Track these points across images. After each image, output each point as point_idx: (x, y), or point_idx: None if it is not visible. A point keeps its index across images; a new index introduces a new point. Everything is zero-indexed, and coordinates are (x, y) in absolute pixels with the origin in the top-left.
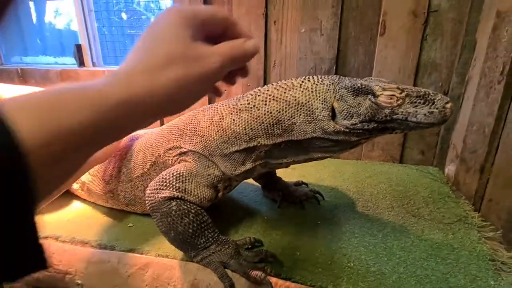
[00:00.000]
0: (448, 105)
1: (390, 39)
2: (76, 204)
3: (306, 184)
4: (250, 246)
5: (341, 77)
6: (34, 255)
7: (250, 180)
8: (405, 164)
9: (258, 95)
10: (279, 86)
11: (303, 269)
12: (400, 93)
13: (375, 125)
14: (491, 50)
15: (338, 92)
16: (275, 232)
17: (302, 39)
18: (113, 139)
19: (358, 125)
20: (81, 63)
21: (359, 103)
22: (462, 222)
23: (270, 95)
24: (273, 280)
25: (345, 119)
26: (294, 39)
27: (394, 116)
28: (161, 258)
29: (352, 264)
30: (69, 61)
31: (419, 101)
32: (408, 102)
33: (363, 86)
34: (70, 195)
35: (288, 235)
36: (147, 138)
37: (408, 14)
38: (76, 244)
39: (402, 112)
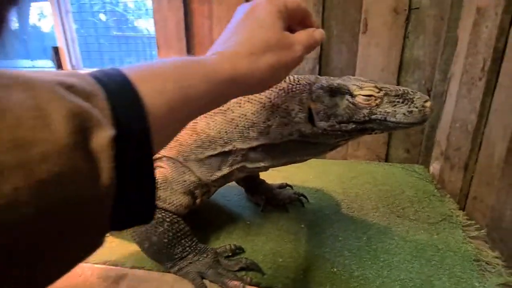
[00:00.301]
0: (428, 104)
1: (373, 37)
2: None
3: (291, 186)
4: (230, 254)
5: (318, 77)
6: (147, 210)
7: (233, 184)
8: (391, 163)
9: None
10: None
11: (285, 276)
12: (378, 92)
13: (354, 125)
14: (472, 46)
15: (314, 92)
16: (257, 238)
17: None
18: (212, 108)
19: (336, 126)
20: (59, 66)
21: (336, 104)
22: (447, 222)
23: (244, 97)
24: None
25: (322, 120)
26: None
27: (373, 116)
28: (137, 270)
29: (335, 270)
30: (48, 64)
31: (397, 100)
32: (386, 102)
33: (340, 86)
34: None
35: (270, 241)
36: None
37: (389, 11)
38: None
39: (380, 112)
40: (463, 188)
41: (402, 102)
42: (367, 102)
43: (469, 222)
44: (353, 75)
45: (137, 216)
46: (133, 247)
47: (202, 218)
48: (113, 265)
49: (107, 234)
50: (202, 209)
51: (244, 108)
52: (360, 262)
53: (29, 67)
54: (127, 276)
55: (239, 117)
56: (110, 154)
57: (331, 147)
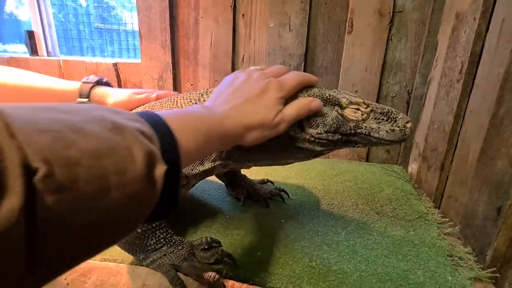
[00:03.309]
0: (409, 125)
1: (358, 37)
2: None
3: (272, 182)
4: (206, 247)
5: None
6: (169, 210)
7: (214, 178)
8: (371, 163)
9: None
10: None
11: (263, 270)
12: (366, 108)
13: (340, 137)
14: (451, 50)
15: None
16: (236, 232)
17: (271, 34)
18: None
19: (323, 135)
20: (34, 51)
21: (325, 113)
22: (423, 219)
23: None
24: (229, 283)
25: (311, 127)
26: (263, 34)
27: (358, 130)
28: (107, 263)
29: (314, 264)
30: (21, 49)
31: (382, 117)
32: (372, 118)
33: (331, 97)
34: None
35: (249, 234)
36: None
37: (374, 13)
38: None
39: (366, 126)
40: (439, 187)
41: (386, 120)
42: (355, 116)
43: (443, 219)
44: (338, 73)
45: (161, 214)
46: None
47: (180, 211)
48: None
49: None
50: (181, 202)
51: None
52: (339, 257)
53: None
54: (96, 269)
55: None
56: (163, 180)
57: (315, 154)
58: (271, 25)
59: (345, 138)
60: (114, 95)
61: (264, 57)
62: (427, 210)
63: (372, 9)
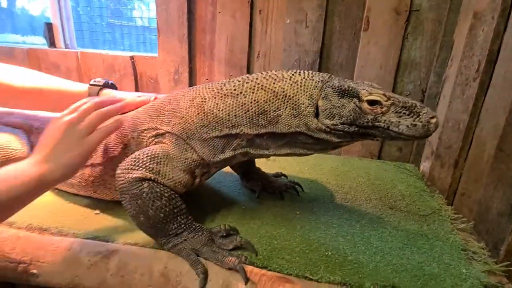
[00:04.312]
0: (433, 120)
1: (373, 35)
2: None
3: (286, 176)
4: (224, 234)
5: (332, 76)
6: None
7: (229, 170)
8: (383, 160)
9: (247, 82)
10: (269, 76)
11: (280, 257)
12: (386, 101)
13: (356, 129)
14: (467, 49)
15: (325, 90)
16: (252, 222)
17: (287, 31)
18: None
19: (339, 126)
20: (52, 43)
21: (343, 105)
22: (436, 215)
23: (258, 83)
24: (249, 268)
25: (326, 118)
26: (279, 30)
27: (376, 123)
28: (129, 246)
29: (329, 253)
30: (39, 41)
31: (404, 111)
32: (392, 111)
33: (350, 88)
34: None
35: (265, 224)
36: None
37: (391, 11)
38: (33, 231)
39: (385, 120)
40: (452, 185)
41: (408, 115)
42: (373, 108)
43: (456, 216)
44: (352, 71)
45: None
46: (124, 224)
47: (197, 201)
48: (103, 241)
49: (98, 211)
50: (198, 192)
51: (257, 94)
52: (354, 248)
53: (18, 43)
54: (119, 251)
55: (251, 102)
56: None
57: (333, 146)
58: (288, 21)
59: (362, 130)
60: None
61: (280, 53)
62: (440, 206)
63: (389, 7)
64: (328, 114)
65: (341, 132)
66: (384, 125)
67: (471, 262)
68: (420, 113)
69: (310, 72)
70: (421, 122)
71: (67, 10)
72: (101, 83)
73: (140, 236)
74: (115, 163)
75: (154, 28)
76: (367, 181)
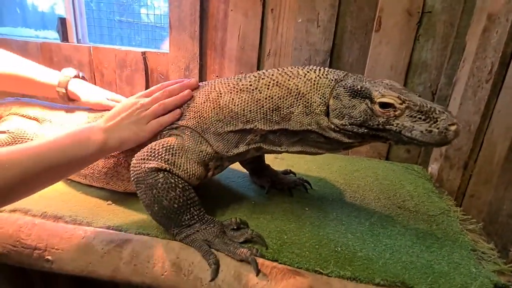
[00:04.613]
0: (453, 128)
1: (385, 36)
2: None
3: (294, 174)
4: (235, 227)
5: (349, 74)
6: None
7: (238, 167)
8: (391, 161)
9: (262, 78)
10: (284, 72)
11: (290, 251)
12: (401, 104)
13: (366, 130)
14: (480, 51)
15: (336, 90)
16: (262, 216)
17: (299, 29)
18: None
19: (348, 126)
20: (64, 38)
21: (353, 105)
22: (445, 215)
23: (274, 80)
24: (260, 260)
25: (336, 118)
26: (291, 28)
27: (387, 127)
28: (142, 236)
29: (339, 249)
30: (51, 36)
31: (419, 116)
32: (407, 115)
33: (363, 89)
34: None
35: (275, 220)
36: None
37: (403, 12)
38: (48, 219)
39: (398, 124)
40: (461, 186)
41: (424, 120)
42: (385, 111)
43: (465, 217)
44: (363, 71)
45: None
46: (137, 215)
47: (207, 196)
48: (116, 230)
49: (110, 202)
50: (207, 187)
51: (272, 90)
52: (363, 244)
53: (32, 36)
54: (132, 241)
55: (266, 98)
56: None
57: (345, 146)
58: (299, 20)
59: (373, 132)
60: (86, 95)
61: (290, 51)
62: (449, 207)
63: (401, 8)
64: (338, 113)
65: (350, 133)
66: (396, 129)
67: (481, 262)
68: (438, 119)
69: (326, 69)
70: (438, 128)
71: (81, 6)
72: (72, 76)
73: (152, 227)
74: (129, 155)
75: (161, 27)
76: (375, 180)
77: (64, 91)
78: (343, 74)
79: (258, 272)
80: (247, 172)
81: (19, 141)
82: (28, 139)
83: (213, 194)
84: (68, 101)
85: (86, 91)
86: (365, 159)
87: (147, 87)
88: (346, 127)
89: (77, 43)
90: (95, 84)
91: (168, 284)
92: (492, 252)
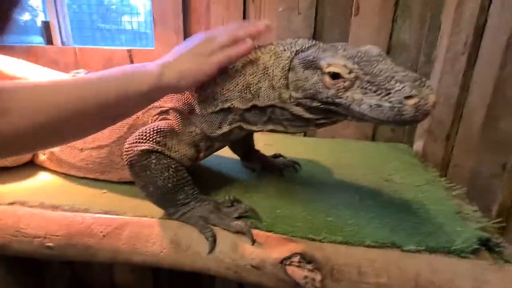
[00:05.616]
0: (411, 102)
1: (363, 19)
2: (44, 175)
3: (284, 157)
4: (229, 205)
5: (317, 43)
6: None
7: (229, 154)
8: (377, 142)
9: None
10: (259, 49)
11: (283, 223)
12: (349, 74)
13: (318, 104)
14: (455, 25)
15: (293, 61)
16: (255, 195)
17: (281, 19)
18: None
19: (302, 100)
20: (49, 41)
21: (306, 77)
22: (431, 185)
23: (248, 57)
24: (255, 231)
25: (294, 91)
26: (273, 18)
27: (337, 100)
28: (139, 218)
29: (330, 219)
30: (35, 40)
31: (370, 87)
32: (358, 86)
33: (314, 60)
34: (36, 167)
35: (268, 197)
36: None
37: None
38: (46, 209)
39: (347, 97)
40: (445, 158)
41: (375, 91)
42: (335, 83)
43: (450, 185)
44: None
45: None
46: (133, 200)
47: (199, 179)
48: (114, 215)
49: (105, 191)
50: (200, 171)
51: (246, 68)
52: (354, 214)
53: (17, 42)
54: (130, 223)
55: (239, 76)
56: None
57: (313, 124)
58: (280, 9)
59: (324, 106)
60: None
61: (274, 41)
62: (434, 178)
63: None
64: (294, 86)
65: (307, 107)
66: (345, 103)
67: (465, 222)
68: (392, 91)
69: (293, 40)
70: (390, 102)
71: (63, 8)
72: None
73: (149, 210)
74: (122, 143)
75: (144, 32)
76: (362, 159)
77: None
78: (309, 44)
79: (253, 241)
80: (238, 158)
81: None
82: None
83: (206, 178)
84: None
85: None
86: (352, 141)
87: None
88: (301, 100)
89: (62, 45)
90: None
91: (168, 261)
92: (476, 213)
